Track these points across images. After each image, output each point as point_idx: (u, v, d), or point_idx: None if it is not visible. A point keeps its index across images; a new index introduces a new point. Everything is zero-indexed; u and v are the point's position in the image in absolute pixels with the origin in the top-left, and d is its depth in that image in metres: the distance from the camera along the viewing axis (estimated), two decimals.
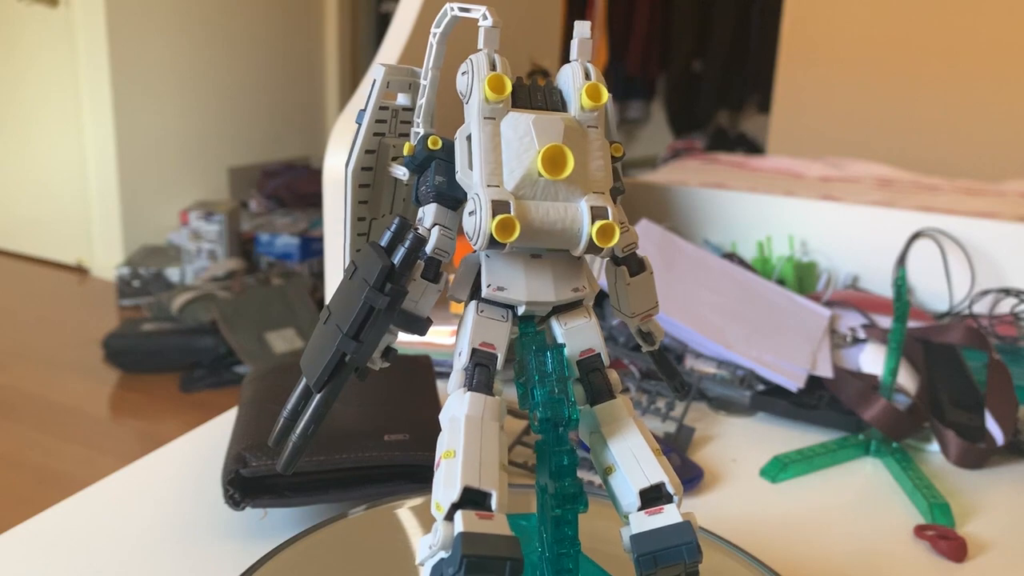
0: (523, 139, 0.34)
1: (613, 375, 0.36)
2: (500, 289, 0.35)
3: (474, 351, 0.34)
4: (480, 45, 0.35)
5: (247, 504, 0.55)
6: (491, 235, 0.32)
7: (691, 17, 4.02)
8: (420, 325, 0.36)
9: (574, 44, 0.36)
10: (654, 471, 0.33)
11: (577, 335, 0.36)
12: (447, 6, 0.36)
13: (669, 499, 0.33)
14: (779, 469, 0.67)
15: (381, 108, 0.39)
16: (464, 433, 0.32)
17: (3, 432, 2.24)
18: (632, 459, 0.33)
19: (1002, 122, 2.46)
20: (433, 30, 0.37)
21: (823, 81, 2.66)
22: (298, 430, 0.36)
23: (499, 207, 0.32)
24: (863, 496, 0.66)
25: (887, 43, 2.56)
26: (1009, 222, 1.02)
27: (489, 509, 0.30)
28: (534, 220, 0.33)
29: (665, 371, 0.43)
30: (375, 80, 0.38)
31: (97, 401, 2.43)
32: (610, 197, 0.34)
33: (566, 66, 0.36)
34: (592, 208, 0.33)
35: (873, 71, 2.59)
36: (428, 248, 0.35)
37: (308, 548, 0.45)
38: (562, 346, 0.36)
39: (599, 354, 0.36)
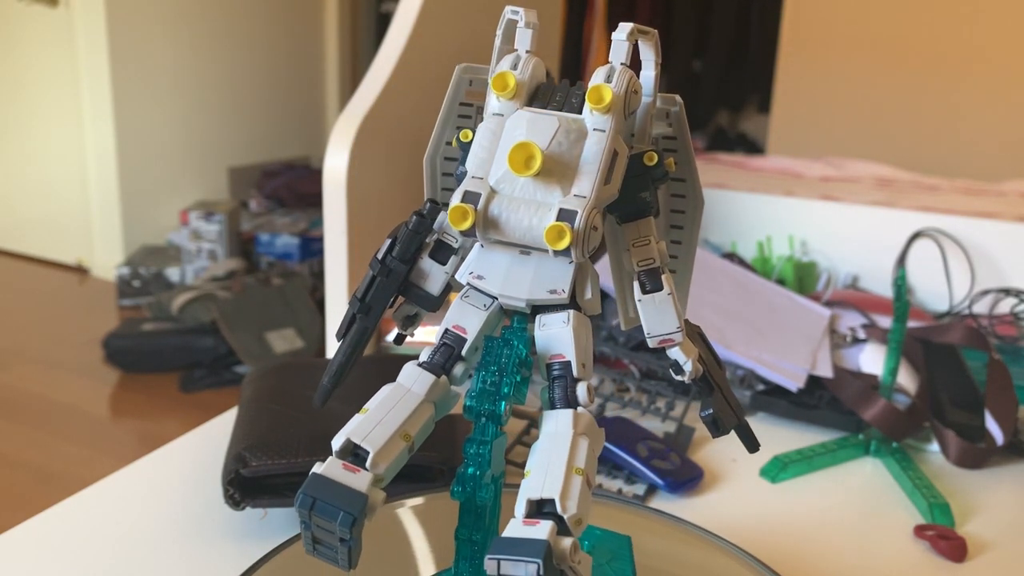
0: (517, 136, 0.34)
1: (581, 387, 0.34)
2: (479, 278, 0.36)
3: (445, 331, 0.36)
4: (515, 45, 0.36)
5: (247, 504, 0.55)
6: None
7: (691, 17, 4.02)
8: (428, 302, 0.38)
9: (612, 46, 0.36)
10: (552, 487, 0.31)
11: (548, 337, 0.35)
12: (505, 9, 0.37)
13: (557, 518, 0.31)
14: (779, 469, 0.67)
15: (464, 104, 0.41)
16: (382, 396, 0.34)
17: (3, 432, 2.24)
18: (543, 470, 0.32)
19: (1002, 122, 2.46)
20: (497, 32, 0.39)
21: (823, 81, 2.66)
22: (328, 372, 0.38)
23: (469, 197, 0.34)
24: (863, 496, 0.66)
25: (887, 43, 2.56)
26: (1009, 222, 1.02)
27: (364, 465, 0.32)
28: (498, 214, 0.34)
29: (702, 405, 0.39)
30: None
31: (97, 401, 2.43)
32: (589, 202, 0.33)
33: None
34: (561, 210, 0.33)
35: (873, 71, 2.59)
36: (436, 229, 0.37)
37: None
38: (510, 340, 0.36)
39: (569, 362, 0.34)
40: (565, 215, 0.32)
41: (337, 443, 0.32)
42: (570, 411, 0.34)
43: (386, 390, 0.34)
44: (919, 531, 0.59)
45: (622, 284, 0.42)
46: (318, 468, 0.32)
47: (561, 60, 1.35)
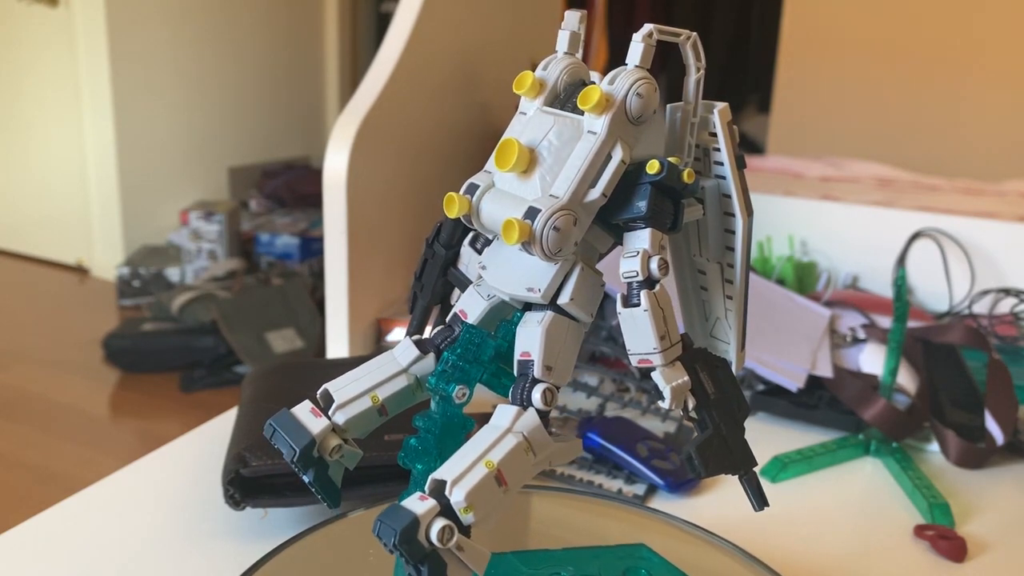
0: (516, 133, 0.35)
1: (538, 388, 0.34)
2: (483, 268, 0.37)
3: (453, 315, 0.37)
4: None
5: (247, 504, 0.55)
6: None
7: (691, 17, 4.02)
8: (466, 287, 0.39)
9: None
10: (451, 470, 0.32)
11: (522, 334, 0.35)
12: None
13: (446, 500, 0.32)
14: (779, 469, 0.67)
15: None
16: (371, 360, 0.37)
17: (3, 432, 2.24)
18: (460, 454, 0.33)
19: (1002, 122, 2.46)
20: None
21: (823, 81, 2.66)
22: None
23: (469, 188, 0.35)
24: (863, 496, 0.66)
25: (887, 43, 2.56)
26: (1009, 222, 1.02)
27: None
28: (482, 207, 0.35)
29: (691, 439, 0.37)
30: None
31: (97, 401, 2.43)
32: (559, 203, 0.33)
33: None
34: (529, 207, 0.33)
35: (873, 71, 2.59)
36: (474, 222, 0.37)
37: (308, 548, 0.45)
38: (478, 329, 0.36)
39: (533, 361, 0.34)
40: (530, 212, 0.33)
41: (320, 390, 0.36)
42: (516, 408, 0.34)
43: (379, 356, 0.37)
44: (919, 531, 0.59)
45: (688, 303, 0.40)
46: (295, 407, 0.36)
47: None
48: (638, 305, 0.34)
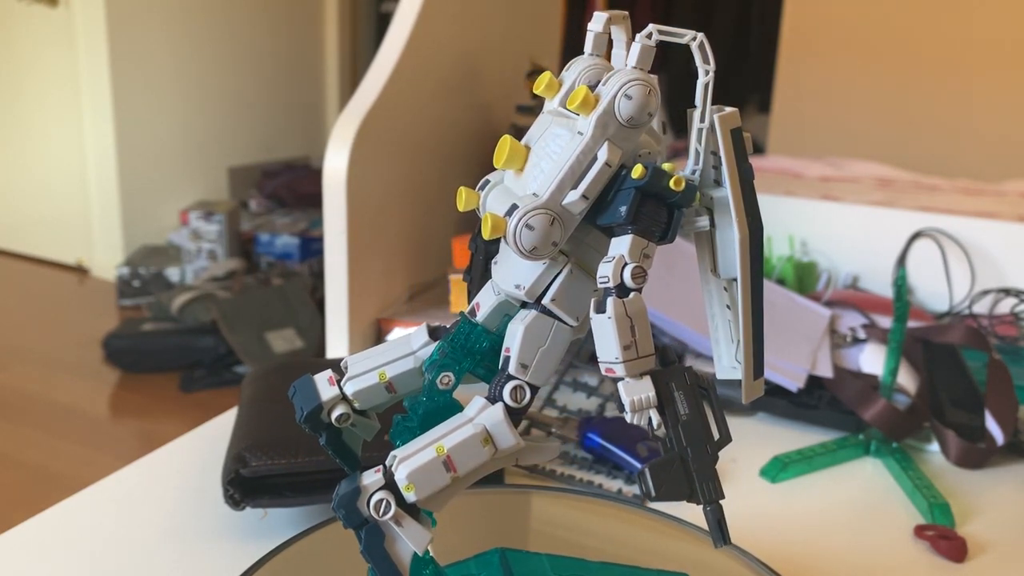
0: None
1: (509, 385, 0.34)
2: (495, 263, 0.37)
3: (471, 307, 0.38)
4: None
5: (247, 504, 0.55)
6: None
7: (691, 17, 4.02)
8: None
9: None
10: (405, 450, 0.34)
11: (509, 330, 0.35)
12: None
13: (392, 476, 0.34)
14: (779, 469, 0.67)
15: None
16: (393, 340, 0.39)
17: (3, 432, 2.24)
18: (420, 436, 0.35)
19: (1002, 122, 2.46)
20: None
21: (823, 81, 2.66)
22: None
23: (483, 184, 0.36)
24: (863, 496, 0.66)
25: (887, 43, 2.56)
26: (1009, 222, 1.02)
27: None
28: (486, 203, 0.35)
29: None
30: None
31: (97, 401, 2.43)
32: (537, 202, 0.33)
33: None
34: (512, 204, 0.33)
35: (873, 71, 2.59)
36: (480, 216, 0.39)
37: (308, 548, 0.45)
38: (474, 323, 0.37)
39: (509, 358, 0.34)
40: (511, 209, 0.33)
41: (342, 360, 0.38)
42: (484, 401, 0.35)
43: (400, 337, 0.39)
44: (919, 531, 0.59)
45: (714, 323, 0.37)
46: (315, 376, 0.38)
47: (561, 59, 1.35)
48: (602, 312, 0.33)
